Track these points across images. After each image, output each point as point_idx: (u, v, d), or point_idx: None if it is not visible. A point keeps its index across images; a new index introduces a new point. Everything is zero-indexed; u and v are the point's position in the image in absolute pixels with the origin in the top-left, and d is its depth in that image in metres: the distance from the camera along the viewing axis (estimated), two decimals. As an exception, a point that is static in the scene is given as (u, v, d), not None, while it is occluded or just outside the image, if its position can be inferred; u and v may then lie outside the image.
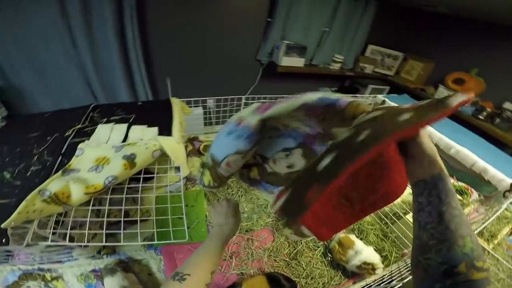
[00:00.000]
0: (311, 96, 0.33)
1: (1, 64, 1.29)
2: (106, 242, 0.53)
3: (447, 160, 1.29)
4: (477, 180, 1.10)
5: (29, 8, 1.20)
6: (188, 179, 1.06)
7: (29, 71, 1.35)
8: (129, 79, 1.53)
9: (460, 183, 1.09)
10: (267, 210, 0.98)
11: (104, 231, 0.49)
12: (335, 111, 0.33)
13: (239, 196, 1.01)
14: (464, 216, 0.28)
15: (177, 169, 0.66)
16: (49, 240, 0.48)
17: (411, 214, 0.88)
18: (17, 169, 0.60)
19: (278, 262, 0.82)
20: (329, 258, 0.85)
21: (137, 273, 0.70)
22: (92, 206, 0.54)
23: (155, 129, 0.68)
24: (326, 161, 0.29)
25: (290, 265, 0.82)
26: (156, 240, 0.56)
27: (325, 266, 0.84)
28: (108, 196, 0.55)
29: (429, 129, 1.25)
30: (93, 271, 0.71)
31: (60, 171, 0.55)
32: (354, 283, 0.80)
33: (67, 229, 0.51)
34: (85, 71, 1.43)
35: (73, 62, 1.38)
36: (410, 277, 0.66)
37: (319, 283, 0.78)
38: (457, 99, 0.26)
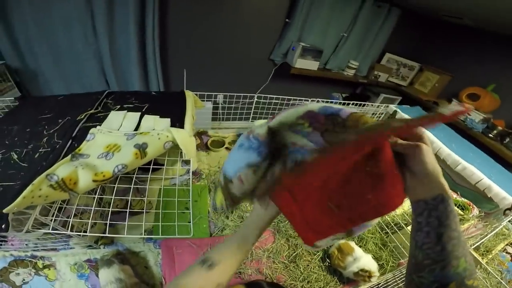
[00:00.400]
0: (315, 105, 0.35)
1: (20, 46, 1.29)
2: (106, 232, 0.51)
3: (452, 176, 1.28)
4: (479, 197, 1.11)
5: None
6: (194, 173, 1.04)
7: (47, 54, 1.35)
8: (143, 68, 1.53)
9: (463, 199, 1.09)
10: None
11: (108, 221, 0.47)
12: (337, 122, 0.34)
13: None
14: (462, 237, 0.29)
15: (185, 162, 0.64)
16: (50, 228, 0.47)
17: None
18: (25, 149, 0.59)
19: (277, 264, 0.81)
20: (327, 264, 0.85)
21: (134, 266, 0.69)
22: (96, 194, 0.53)
23: (167, 120, 0.67)
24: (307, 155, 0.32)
25: (288, 268, 0.81)
26: (159, 234, 0.54)
27: (322, 271, 0.84)
28: (116, 185, 0.53)
29: (439, 145, 1.23)
30: (88, 261, 0.70)
31: (69, 156, 0.54)
32: None
33: (68, 217, 0.49)
34: (101, 58, 1.43)
35: (91, 49, 1.39)
36: None
37: (314, 287, 0.79)
38: (453, 108, 0.26)
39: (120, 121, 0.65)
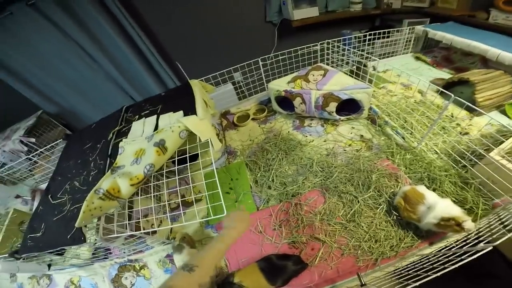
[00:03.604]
0: None
1: (47, 93, 1.55)
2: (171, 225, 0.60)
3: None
4: None
5: (34, 38, 1.36)
6: (229, 152, 1.11)
7: (70, 93, 1.60)
8: (153, 73, 1.66)
9: None
10: (313, 169, 0.93)
11: (167, 214, 0.56)
12: None
13: (279, 159, 0.99)
14: None
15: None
16: (115, 232, 0.58)
17: (495, 151, 0.73)
18: (82, 176, 0.74)
19: (333, 226, 0.76)
20: (395, 217, 0.75)
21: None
22: (152, 193, 0.62)
23: (180, 113, 0.73)
24: None
25: (347, 228, 0.75)
26: (211, 215, 0.60)
27: (392, 226, 0.74)
28: (164, 180, 0.62)
29: (496, 51, 1.10)
30: (168, 256, 0.83)
31: (109, 171, 0.64)
32: (430, 244, 0.70)
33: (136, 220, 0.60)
34: (114, 78, 1.61)
35: (101, 73, 1.58)
36: (506, 236, 0.54)
37: (385, 246, 0.70)
38: None
39: (141, 128, 0.74)
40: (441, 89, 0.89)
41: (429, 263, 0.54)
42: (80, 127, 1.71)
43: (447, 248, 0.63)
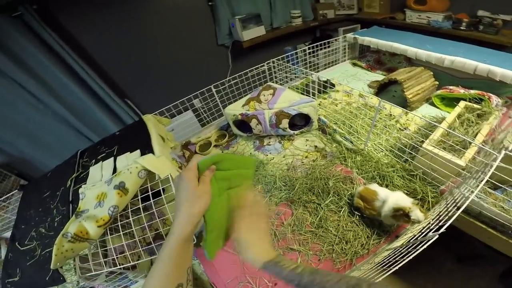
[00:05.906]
0: None
1: None
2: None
3: (450, 72, 1.34)
4: (490, 83, 1.13)
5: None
6: None
7: (19, 139, 1.56)
8: (107, 110, 1.70)
9: (473, 91, 1.08)
10: (277, 185, 1.04)
11: (140, 249, 0.68)
12: None
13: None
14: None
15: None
16: (92, 270, 0.66)
17: (427, 141, 0.88)
18: (47, 223, 0.80)
19: (304, 235, 0.86)
20: (357, 216, 0.86)
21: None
22: (123, 231, 0.70)
23: (137, 152, 0.81)
24: None
25: (318, 235, 0.85)
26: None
27: (357, 225, 0.84)
28: (131, 218, 0.69)
29: (413, 50, 1.30)
30: None
31: (74, 215, 0.71)
32: (397, 237, 0.79)
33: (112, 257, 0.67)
34: (65, 119, 1.62)
35: (49, 116, 1.57)
36: (450, 221, 0.60)
37: (356, 245, 0.79)
38: None
39: (99, 173, 0.81)
40: (373, 95, 1.09)
41: (400, 256, 0.58)
42: (35, 174, 1.69)
43: (409, 240, 0.67)
